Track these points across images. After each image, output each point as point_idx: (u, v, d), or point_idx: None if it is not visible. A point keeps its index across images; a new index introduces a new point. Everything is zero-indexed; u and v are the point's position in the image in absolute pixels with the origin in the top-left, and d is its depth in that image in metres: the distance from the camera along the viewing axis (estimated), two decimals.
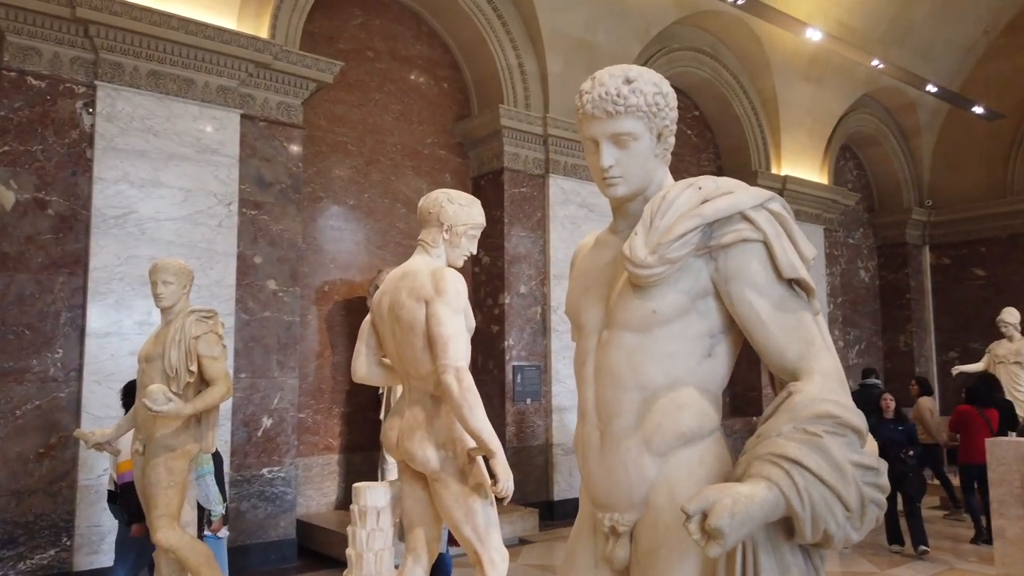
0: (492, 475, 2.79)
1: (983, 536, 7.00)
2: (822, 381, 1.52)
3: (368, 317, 3.30)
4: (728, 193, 1.64)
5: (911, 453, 6.68)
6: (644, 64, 9.77)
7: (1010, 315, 8.90)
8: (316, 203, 7.63)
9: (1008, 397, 8.50)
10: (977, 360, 9.69)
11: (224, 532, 4.40)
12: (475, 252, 3.24)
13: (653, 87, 1.72)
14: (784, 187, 11.07)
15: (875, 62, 10.58)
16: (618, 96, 1.69)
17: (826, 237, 12.07)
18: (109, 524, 5.63)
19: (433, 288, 2.90)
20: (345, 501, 7.49)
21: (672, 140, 1.79)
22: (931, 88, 11.34)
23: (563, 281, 8.60)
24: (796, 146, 11.41)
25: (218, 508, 4.26)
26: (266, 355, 6.57)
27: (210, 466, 4.31)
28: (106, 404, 5.71)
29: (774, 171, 11.16)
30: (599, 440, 1.72)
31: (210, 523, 4.30)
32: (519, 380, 8.18)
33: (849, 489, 1.39)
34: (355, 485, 3.08)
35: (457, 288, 2.91)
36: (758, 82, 11.07)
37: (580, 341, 1.84)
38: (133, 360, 5.80)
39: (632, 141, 1.71)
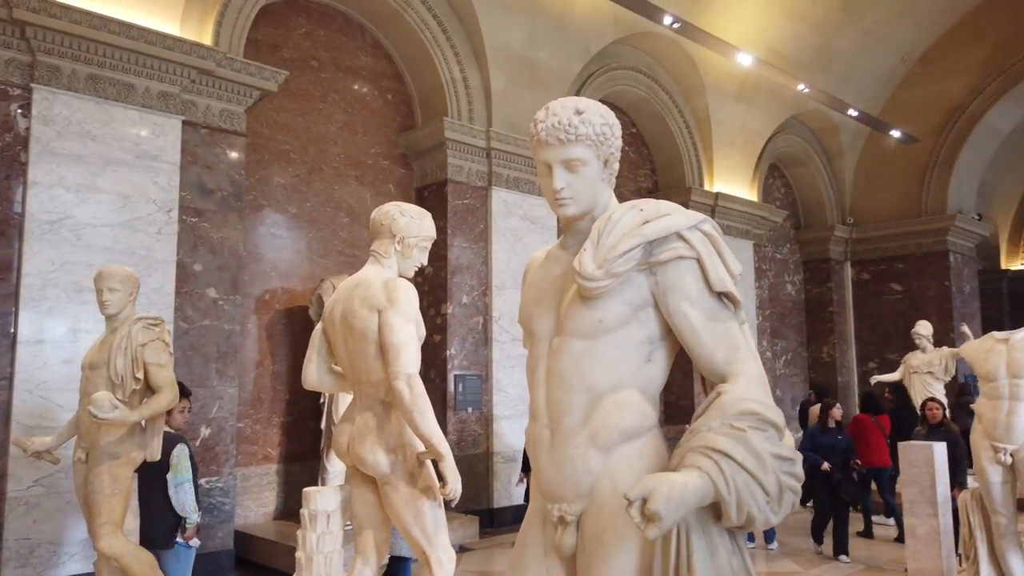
0: (441, 478, 2.90)
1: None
2: (746, 383, 1.71)
3: (319, 325, 3.37)
4: (666, 215, 1.82)
5: (859, 462, 6.98)
6: (584, 82, 10.06)
7: (923, 328, 9.47)
8: (257, 211, 7.59)
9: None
10: (894, 370, 10.26)
11: (195, 541, 4.43)
12: (425, 263, 3.35)
13: (600, 118, 1.90)
14: (716, 203, 11.50)
15: (801, 86, 11.13)
16: (569, 125, 1.86)
17: (755, 252, 12.56)
18: (37, 537, 5.50)
19: (386, 297, 3.00)
20: (284, 511, 7.45)
21: (616, 166, 1.98)
22: (852, 112, 11.97)
23: (504, 292, 8.75)
24: (728, 164, 11.87)
25: (193, 516, 4.28)
26: (205, 364, 6.51)
27: (188, 474, 4.30)
28: (37, 413, 5.57)
29: (707, 188, 11.57)
30: (550, 438, 1.87)
31: (184, 530, 4.31)
32: (460, 389, 8.28)
33: (768, 477, 1.57)
34: (305, 489, 3.14)
35: (409, 298, 3.01)
36: (692, 102, 11.48)
37: (532, 347, 1.99)
38: (67, 368, 5.73)
39: (581, 166, 1.88)
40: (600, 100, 10.26)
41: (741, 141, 12.07)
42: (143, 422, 3.77)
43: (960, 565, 4.78)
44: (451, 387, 8.28)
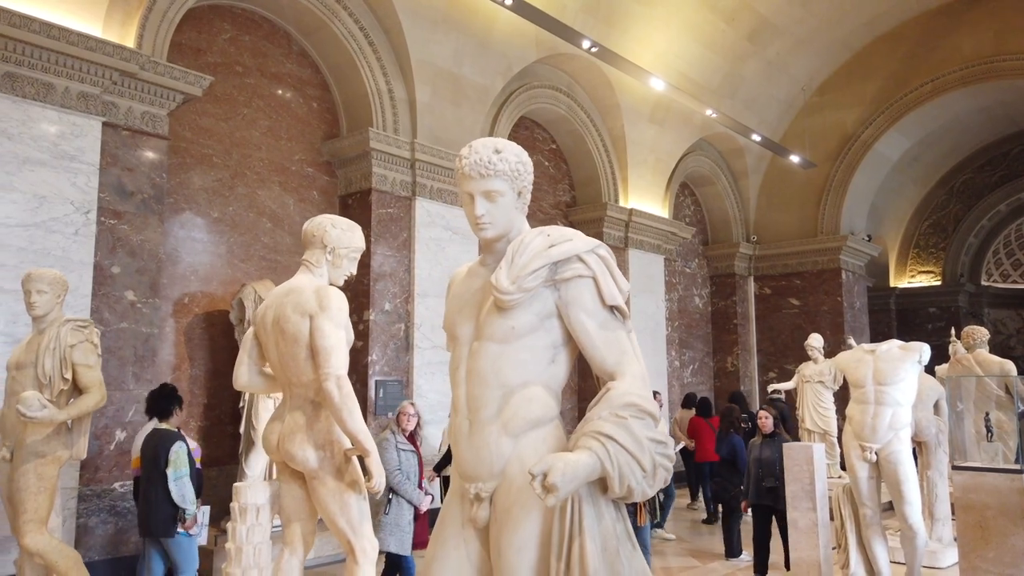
0: (367, 472, 3.12)
1: (711, 519, 9.30)
2: (631, 380, 2.07)
3: (250, 329, 3.53)
4: (569, 240, 2.14)
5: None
6: (507, 99, 10.41)
7: (816, 340, 10.21)
8: (178, 214, 7.57)
9: (812, 412, 9.76)
10: (790, 379, 10.99)
11: (195, 530, 4.72)
12: (354, 273, 3.56)
13: (515, 157, 2.21)
14: (630, 219, 12.03)
15: (709, 111, 11.80)
16: (489, 162, 2.16)
17: (666, 266, 13.18)
18: None
19: (317, 304, 3.21)
20: None
21: (528, 197, 2.30)
22: (756, 137, 12.75)
23: (427, 299, 8.97)
24: (641, 182, 12.44)
25: (191, 508, 4.56)
26: (122, 367, 6.47)
27: (187, 469, 4.59)
28: None
29: (622, 203, 12.10)
30: (468, 427, 2.19)
31: (183, 521, 4.60)
32: (381, 394, 8.44)
33: (645, 456, 1.92)
34: (235, 484, 3.30)
35: (340, 305, 3.23)
36: (609, 121, 12.00)
37: (455, 350, 2.29)
38: None
39: (499, 196, 2.19)
40: (521, 116, 10.65)
41: (653, 160, 12.67)
42: (69, 422, 3.82)
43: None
44: (372, 392, 8.42)
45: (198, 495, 4.78)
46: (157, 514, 4.67)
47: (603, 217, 11.77)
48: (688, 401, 11.22)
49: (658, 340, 12.69)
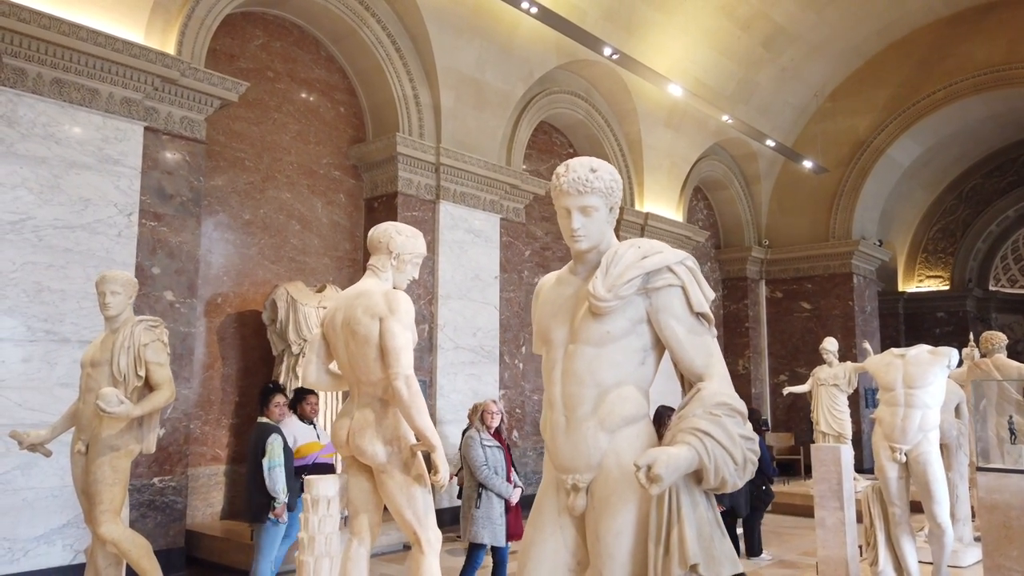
0: (433, 467, 3.30)
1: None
2: (719, 382, 2.26)
3: (318, 330, 3.71)
4: (659, 252, 2.32)
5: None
6: (527, 104, 10.58)
7: (830, 344, 10.36)
8: (211, 216, 7.75)
9: (827, 415, 9.92)
10: (803, 382, 11.15)
11: (285, 518, 5.07)
12: (417, 277, 3.74)
13: (609, 176, 2.39)
14: (646, 223, 12.20)
15: (725, 117, 11.97)
16: (586, 180, 2.34)
17: None
18: None
19: (387, 307, 3.39)
20: (231, 511, 7.60)
21: (617, 212, 2.46)
22: (770, 142, 12.92)
23: (449, 301, 9.14)
24: (656, 186, 12.61)
25: (282, 497, 4.94)
26: None
27: (280, 460, 4.97)
28: None
29: (638, 207, 12.27)
30: (565, 423, 2.36)
31: (274, 508, 4.98)
32: None
33: (736, 450, 2.12)
34: (307, 477, 3.48)
35: (407, 308, 3.41)
36: (625, 126, 12.17)
37: (549, 352, 2.47)
38: (24, 367, 5.84)
39: (594, 211, 2.37)
40: (540, 121, 10.81)
41: (668, 165, 12.84)
42: (141, 417, 4.00)
43: (861, 554, 5.45)
44: None
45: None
46: (252, 502, 5.08)
47: (620, 221, 11.94)
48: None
49: None
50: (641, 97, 11.82)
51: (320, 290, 7.76)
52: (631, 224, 12.10)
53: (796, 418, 14.22)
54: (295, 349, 7.35)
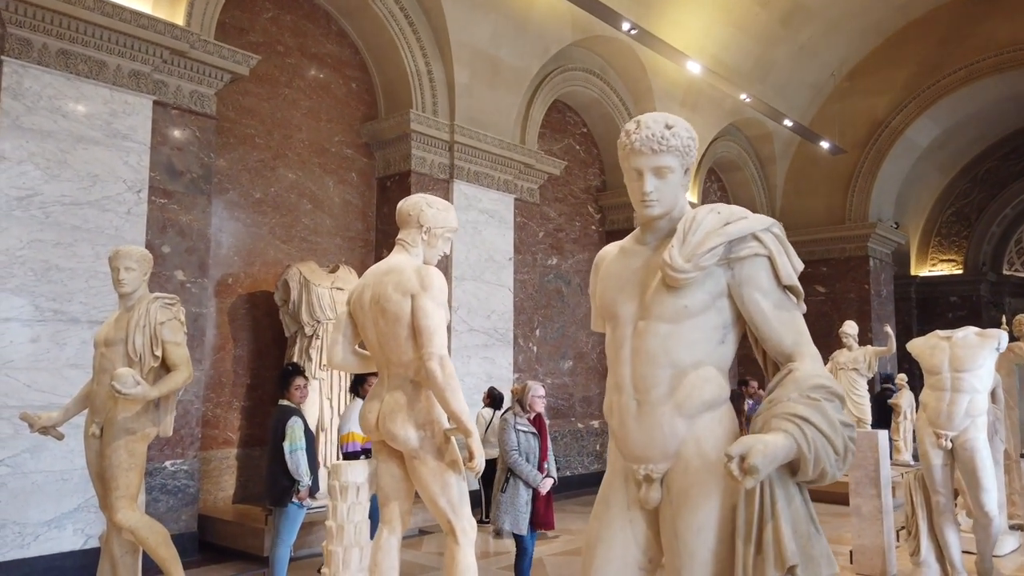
0: (468, 453, 3.11)
1: None
2: (812, 362, 2.04)
3: (345, 308, 3.51)
4: (743, 218, 2.10)
5: None
6: (541, 81, 10.33)
7: (850, 327, 10.16)
8: (222, 194, 7.55)
9: (847, 400, 9.73)
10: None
11: (308, 502, 4.99)
12: (448, 252, 3.54)
13: (686, 133, 2.16)
14: None
15: (743, 96, 11.70)
16: (661, 138, 2.12)
17: None
18: (2, 518, 5.41)
19: (419, 284, 3.19)
20: (243, 495, 7.46)
21: (691, 174, 2.23)
22: (787, 122, 12.65)
23: (464, 283, 8.95)
24: None
25: (305, 480, 4.85)
26: None
27: (302, 443, 4.84)
28: (3, 392, 5.48)
29: None
30: (636, 407, 2.14)
31: (297, 492, 4.88)
32: None
33: (838, 438, 1.90)
34: (334, 463, 3.29)
35: (440, 285, 3.21)
36: (640, 105, 11.90)
37: (615, 330, 2.25)
38: (32, 347, 5.66)
39: (669, 173, 2.15)
40: (555, 99, 10.55)
41: None
42: (157, 399, 3.83)
43: (898, 541, 5.29)
44: None
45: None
46: (274, 485, 4.96)
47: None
48: None
49: None
50: (657, 75, 11.56)
51: (333, 270, 7.57)
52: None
53: None
54: (308, 330, 7.17)
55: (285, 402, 5.16)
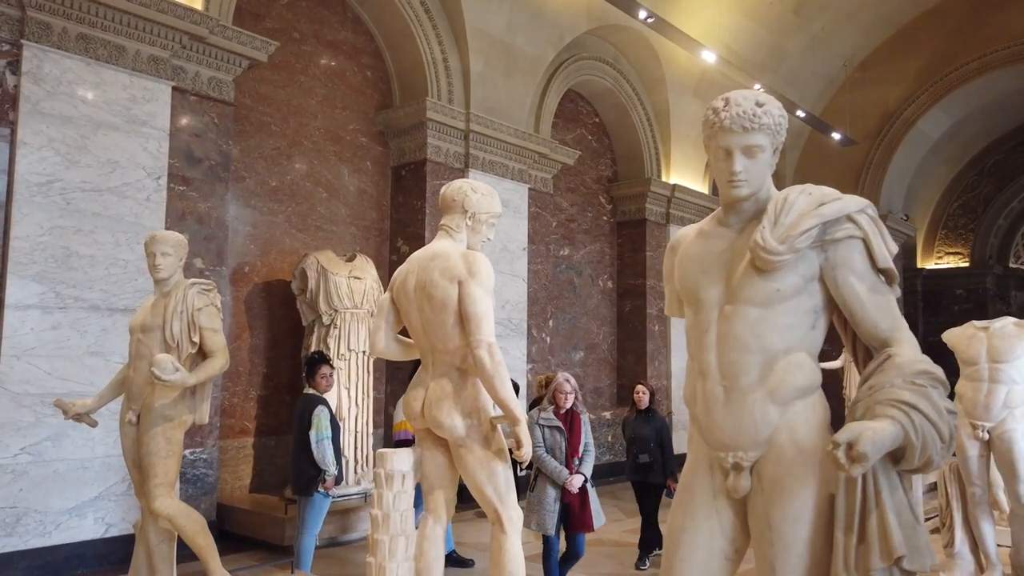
0: (515, 441, 3.07)
1: None
2: (911, 348, 2.00)
3: (387, 294, 3.47)
4: (838, 199, 2.06)
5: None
6: (555, 70, 10.25)
7: None
8: (238, 182, 7.49)
9: None
10: (832, 359, 10.93)
11: (334, 491, 4.97)
12: (492, 239, 3.49)
13: (778, 111, 2.12)
14: (673, 195, 11.92)
15: (757, 86, 11.61)
16: (753, 115, 2.07)
17: None
18: (24, 506, 5.37)
19: (467, 269, 3.14)
20: (260, 484, 7.43)
21: (779, 154, 2.18)
22: (800, 113, 12.57)
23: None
24: (683, 157, 12.31)
25: (332, 469, 4.79)
26: None
27: (328, 432, 4.77)
28: (24, 380, 5.44)
29: (664, 179, 11.97)
30: (724, 394, 2.10)
31: (324, 481, 4.82)
32: None
33: (944, 425, 1.86)
34: (379, 451, 3.25)
35: (488, 271, 3.16)
36: (653, 95, 11.84)
37: (698, 314, 2.20)
38: (54, 334, 5.62)
39: (759, 152, 2.10)
40: (568, 89, 10.45)
41: (695, 135, 12.51)
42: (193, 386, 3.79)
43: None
44: None
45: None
46: (300, 474, 4.89)
47: (646, 193, 11.67)
48: None
49: None
50: (671, 65, 11.49)
51: (350, 259, 7.52)
52: (658, 196, 11.83)
53: None
54: (326, 319, 7.12)
55: (310, 390, 5.11)
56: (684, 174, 12.30)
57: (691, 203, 12.34)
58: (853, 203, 2.08)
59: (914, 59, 13.65)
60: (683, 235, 2.42)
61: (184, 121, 6.53)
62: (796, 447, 2.01)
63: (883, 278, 2.08)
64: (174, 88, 6.42)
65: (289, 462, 5.29)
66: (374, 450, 7.71)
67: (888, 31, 13.73)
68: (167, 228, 6.28)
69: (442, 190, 3.50)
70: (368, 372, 7.32)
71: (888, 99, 14.01)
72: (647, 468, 5.97)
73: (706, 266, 2.22)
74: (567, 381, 4.93)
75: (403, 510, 3.10)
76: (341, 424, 6.93)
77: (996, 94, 14.07)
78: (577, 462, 4.79)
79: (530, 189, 9.79)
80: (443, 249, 3.30)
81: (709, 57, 10.46)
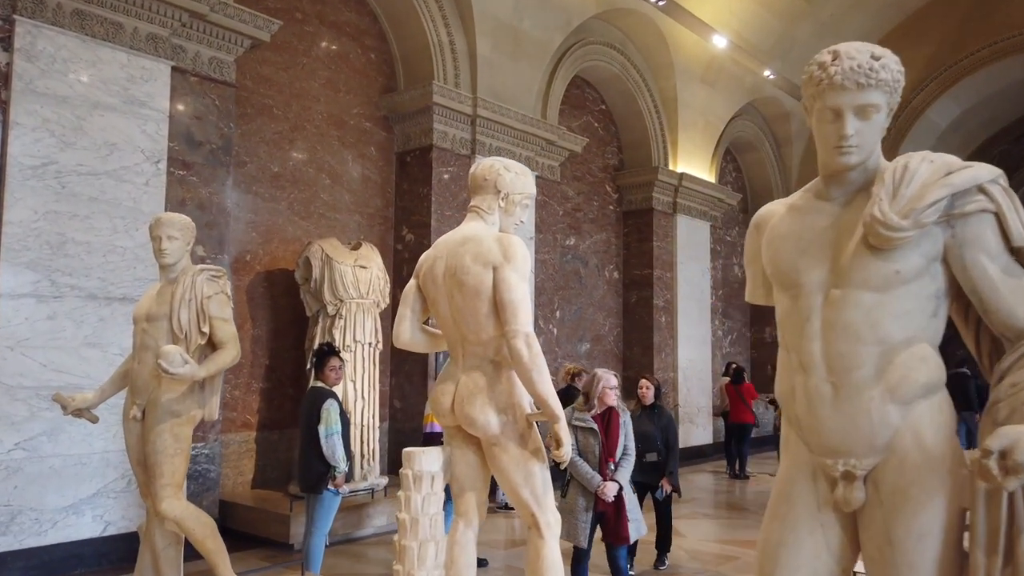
0: (554, 440, 2.84)
1: (735, 475, 10.28)
2: None
3: (412, 282, 3.23)
4: (968, 167, 1.82)
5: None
6: (562, 55, 9.99)
7: None
8: (240, 167, 7.22)
9: None
10: None
11: (344, 489, 4.72)
12: (525, 222, 3.25)
13: (896, 66, 1.88)
14: (680, 183, 11.70)
15: (767, 72, 11.41)
16: (870, 70, 1.83)
17: (711, 233, 12.87)
18: (18, 504, 5.14)
19: (502, 254, 2.90)
20: (263, 480, 7.21)
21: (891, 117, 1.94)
22: None
23: None
24: (690, 145, 12.08)
25: (342, 465, 4.55)
26: None
27: (338, 427, 4.54)
28: (19, 372, 5.19)
29: (671, 167, 11.74)
30: (832, 391, 1.84)
31: (333, 478, 4.57)
32: (441, 360, 8.15)
33: None
34: (407, 450, 3.01)
35: (525, 255, 2.92)
36: (660, 81, 11.59)
37: (797, 300, 1.94)
38: (49, 325, 5.36)
39: (874, 113, 1.86)
40: (576, 74, 10.17)
41: (703, 123, 12.29)
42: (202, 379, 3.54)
43: None
44: (432, 357, 8.14)
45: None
46: (308, 470, 4.64)
47: (653, 181, 11.44)
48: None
49: (703, 309, 12.43)
50: (679, 51, 11.25)
51: (355, 247, 7.27)
52: (665, 185, 11.60)
53: None
54: (331, 309, 6.89)
55: (319, 383, 4.87)
56: (691, 163, 12.07)
57: (698, 192, 12.12)
58: (985, 172, 1.83)
59: (923, 46, 13.41)
60: (769, 212, 2.17)
61: (184, 103, 6.26)
62: (922, 453, 1.77)
63: (1017, 258, 1.84)
64: (174, 68, 6.16)
65: (297, 458, 5.01)
66: (380, 444, 7.50)
67: (897, 17, 13.49)
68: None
69: (472, 169, 3.25)
70: (374, 364, 7.10)
71: None
72: (654, 468, 5.58)
73: (805, 245, 1.96)
74: (614, 376, 4.53)
75: (432, 514, 2.87)
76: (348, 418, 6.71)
77: (1006, 83, 13.87)
78: (612, 467, 4.39)
79: (537, 177, 9.54)
80: (475, 232, 3.06)
81: (720, 42, 10.24)
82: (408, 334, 3.16)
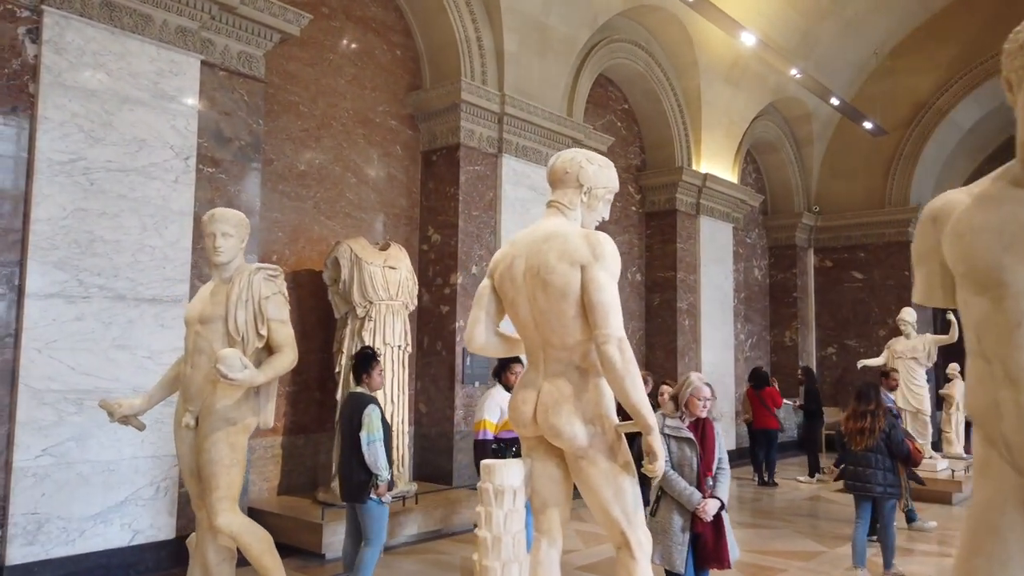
0: (647, 453, 2.64)
1: (764, 482, 10.04)
2: None
3: (486, 282, 3.03)
4: None
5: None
6: (588, 53, 9.81)
7: (908, 315, 9.74)
8: (266, 165, 7.03)
9: (904, 390, 9.32)
10: (873, 356, 10.57)
11: (388, 497, 4.55)
12: (607, 218, 3.05)
13: None
14: (704, 184, 11.51)
15: (793, 71, 11.21)
16: None
17: (734, 235, 12.67)
18: (46, 512, 4.95)
19: (591, 252, 2.69)
20: (288, 485, 7.01)
21: None
22: (834, 100, 12.16)
23: None
24: (713, 146, 11.89)
25: (384, 474, 4.39)
26: None
27: (380, 433, 4.35)
28: (47, 375, 5.00)
29: (695, 168, 11.55)
30: None
31: (376, 487, 4.41)
32: (468, 363, 7.98)
33: None
34: (484, 462, 2.81)
35: (615, 253, 2.72)
36: (684, 80, 11.42)
37: (1003, 301, 1.72)
38: (78, 326, 5.18)
39: None
40: (600, 73, 9.97)
41: (727, 123, 12.11)
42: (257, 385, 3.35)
43: None
44: (459, 360, 7.97)
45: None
46: (351, 479, 4.50)
47: (677, 182, 11.25)
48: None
49: (726, 312, 12.24)
50: (703, 50, 11.07)
51: (384, 248, 7.09)
52: (689, 186, 11.41)
53: (844, 392, 13.63)
54: (360, 311, 6.70)
55: (360, 389, 4.67)
56: (712, 163, 11.89)
57: (721, 193, 11.94)
58: None
59: (947, 46, 13.24)
60: (950, 203, 1.93)
61: (213, 98, 6.08)
62: None
63: None
64: (203, 62, 5.97)
65: (323, 463, 4.80)
66: (409, 450, 7.31)
67: (921, 17, 13.33)
68: (196, 212, 5.85)
69: (551, 162, 3.04)
70: (404, 368, 6.91)
71: (919, 88, 13.60)
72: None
73: (1009, 239, 1.74)
74: (708, 386, 4.09)
75: (515, 532, 2.67)
76: None
77: None
78: (710, 483, 4.00)
79: None
80: (558, 229, 2.85)
81: (748, 39, 10.03)
82: (483, 338, 2.96)
